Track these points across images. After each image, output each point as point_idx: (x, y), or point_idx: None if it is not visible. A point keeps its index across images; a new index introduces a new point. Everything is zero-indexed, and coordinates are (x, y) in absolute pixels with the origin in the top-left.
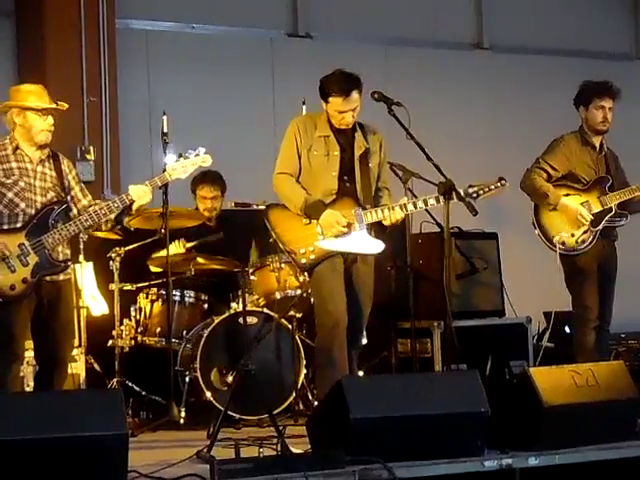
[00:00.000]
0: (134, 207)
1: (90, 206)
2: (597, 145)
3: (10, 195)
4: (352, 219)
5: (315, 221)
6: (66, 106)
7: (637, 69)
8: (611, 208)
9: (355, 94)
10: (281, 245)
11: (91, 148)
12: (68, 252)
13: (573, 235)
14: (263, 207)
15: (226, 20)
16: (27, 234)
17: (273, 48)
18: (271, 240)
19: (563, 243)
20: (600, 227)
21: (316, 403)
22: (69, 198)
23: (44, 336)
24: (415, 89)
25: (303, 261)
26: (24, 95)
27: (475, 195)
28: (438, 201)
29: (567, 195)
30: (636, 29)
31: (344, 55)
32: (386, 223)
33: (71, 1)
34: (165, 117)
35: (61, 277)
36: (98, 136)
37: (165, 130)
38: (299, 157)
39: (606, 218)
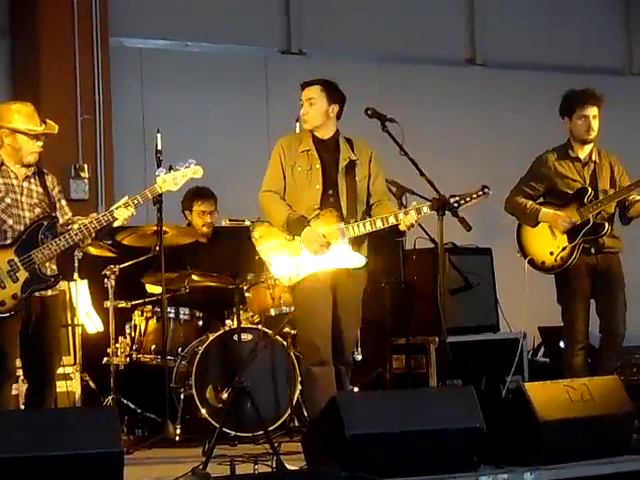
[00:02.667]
0: (115, 224)
1: (68, 223)
2: (584, 156)
3: None
4: (334, 234)
5: (298, 237)
6: (57, 129)
7: (630, 84)
8: (588, 220)
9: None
10: (266, 262)
11: (85, 166)
12: (55, 268)
13: (552, 253)
14: None
15: (220, 38)
16: (16, 250)
17: (267, 65)
18: (257, 257)
19: (542, 263)
20: (577, 241)
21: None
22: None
23: (32, 352)
24: (409, 105)
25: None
26: (15, 116)
27: (457, 205)
28: (431, 209)
29: None
30: (629, 44)
31: (338, 72)
32: (402, 228)
33: (65, 19)
34: (159, 135)
35: (49, 293)
36: (92, 154)
37: (159, 148)
38: (284, 175)
39: (583, 231)
